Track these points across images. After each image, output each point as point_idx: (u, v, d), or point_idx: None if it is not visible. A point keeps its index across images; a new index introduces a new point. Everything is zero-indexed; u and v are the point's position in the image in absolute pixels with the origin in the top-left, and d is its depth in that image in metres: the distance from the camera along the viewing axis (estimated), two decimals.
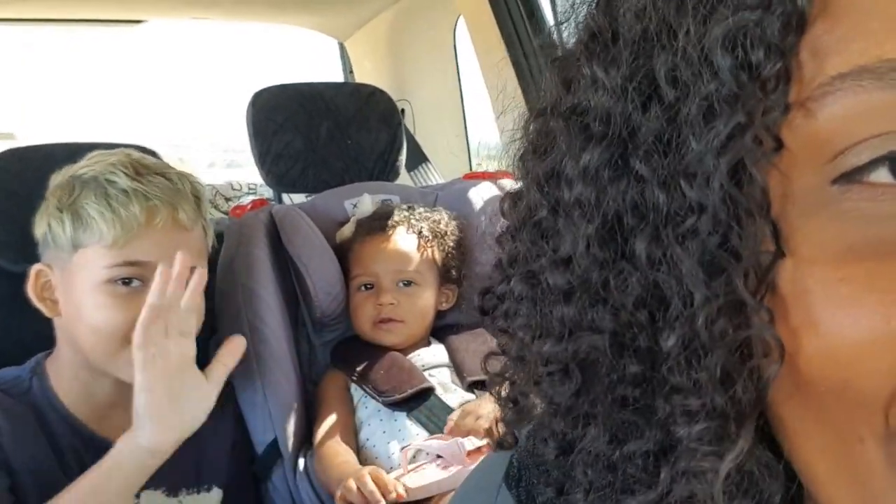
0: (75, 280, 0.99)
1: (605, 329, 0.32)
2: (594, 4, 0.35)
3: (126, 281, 0.98)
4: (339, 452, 1.17)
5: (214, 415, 1.10)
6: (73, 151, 1.39)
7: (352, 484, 1.04)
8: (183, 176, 1.06)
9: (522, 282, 0.38)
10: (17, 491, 0.95)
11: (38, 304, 1.03)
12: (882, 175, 0.25)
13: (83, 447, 1.02)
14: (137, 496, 1.02)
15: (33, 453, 0.98)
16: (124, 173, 1.00)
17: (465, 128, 1.97)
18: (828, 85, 0.25)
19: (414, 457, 1.12)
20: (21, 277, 1.14)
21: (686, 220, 0.28)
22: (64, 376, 1.05)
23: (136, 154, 1.06)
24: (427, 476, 1.07)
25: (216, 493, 1.12)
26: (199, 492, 1.09)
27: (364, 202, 1.40)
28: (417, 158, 1.93)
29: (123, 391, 1.01)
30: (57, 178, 1.06)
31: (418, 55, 2.03)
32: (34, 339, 1.10)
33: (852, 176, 0.25)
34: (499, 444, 0.45)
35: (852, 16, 0.25)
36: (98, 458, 0.97)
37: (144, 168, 1.02)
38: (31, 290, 1.03)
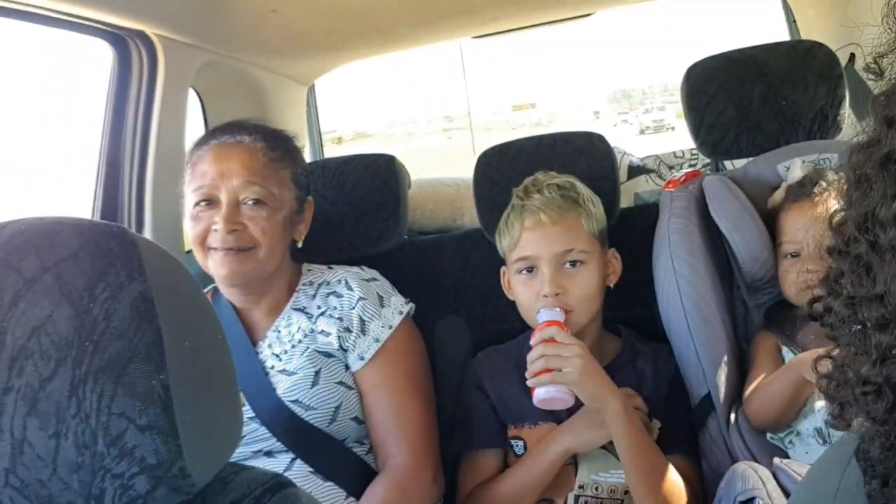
0: (509, 270, 1.44)
1: None
2: None
3: (528, 270, 1.39)
4: (774, 374, 1.26)
5: (656, 360, 1.40)
6: (536, 144, 1.69)
7: None
8: (555, 187, 1.40)
9: (845, 306, 0.44)
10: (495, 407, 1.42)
11: (508, 294, 1.48)
12: None
13: None
14: None
15: (507, 388, 1.41)
16: (518, 196, 1.43)
17: None
18: None
19: None
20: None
21: None
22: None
23: (542, 176, 1.45)
24: None
25: (655, 424, 1.34)
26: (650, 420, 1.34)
27: (794, 167, 1.40)
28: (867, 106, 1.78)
29: None
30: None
31: None
32: None
33: None
34: (834, 427, 0.52)
35: None
36: None
37: (533, 187, 1.42)
38: (504, 287, 1.49)
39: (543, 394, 1.25)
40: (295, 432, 1.34)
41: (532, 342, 1.29)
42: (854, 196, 0.43)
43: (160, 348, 0.60)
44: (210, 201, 1.35)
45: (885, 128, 0.40)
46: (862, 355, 0.42)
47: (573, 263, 1.37)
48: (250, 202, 1.35)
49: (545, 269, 1.36)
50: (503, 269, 1.49)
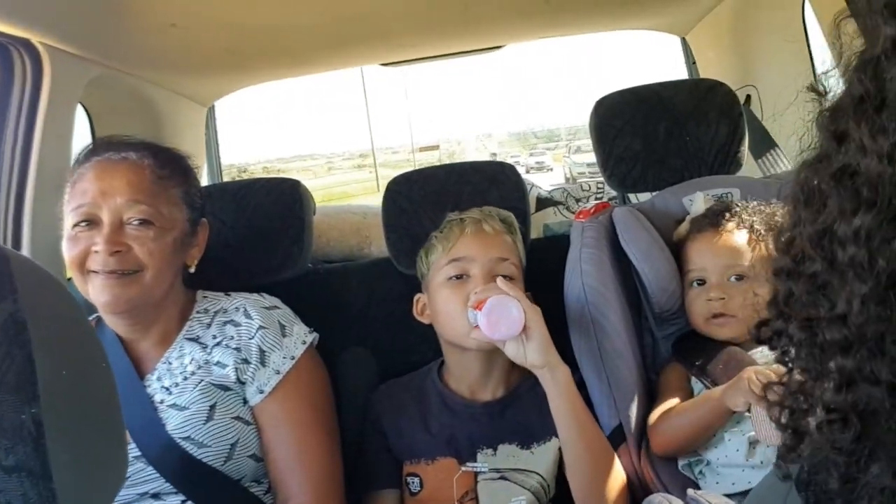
0: (432, 287, 1.40)
1: (883, 380, 0.35)
2: (862, 66, 0.37)
3: (458, 277, 1.35)
4: (693, 400, 1.26)
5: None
6: (446, 172, 1.66)
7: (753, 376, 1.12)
8: (495, 211, 1.46)
9: (801, 329, 0.42)
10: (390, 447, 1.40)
11: (422, 319, 1.45)
12: None
13: (446, 408, 1.38)
14: (495, 449, 1.33)
15: (405, 423, 1.39)
16: (453, 215, 1.46)
17: None
18: None
19: None
20: (410, 278, 1.46)
21: None
22: (448, 363, 1.43)
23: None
24: None
25: (555, 442, 1.32)
26: (544, 442, 1.32)
27: (697, 200, 1.43)
28: (765, 145, 1.87)
29: (487, 366, 1.38)
30: None
31: (764, 39, 1.95)
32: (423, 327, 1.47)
33: None
34: (780, 463, 0.50)
35: None
36: (455, 415, 1.37)
37: (468, 209, 1.46)
38: (416, 313, 1.46)
39: (496, 302, 1.20)
40: (186, 472, 1.24)
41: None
42: (804, 214, 0.42)
43: (32, 378, 0.52)
44: (91, 221, 1.24)
45: (833, 143, 0.39)
46: (823, 380, 0.40)
47: (504, 278, 1.34)
48: (135, 222, 1.25)
49: (478, 272, 1.34)
50: (417, 295, 1.47)
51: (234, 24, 1.72)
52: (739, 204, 1.38)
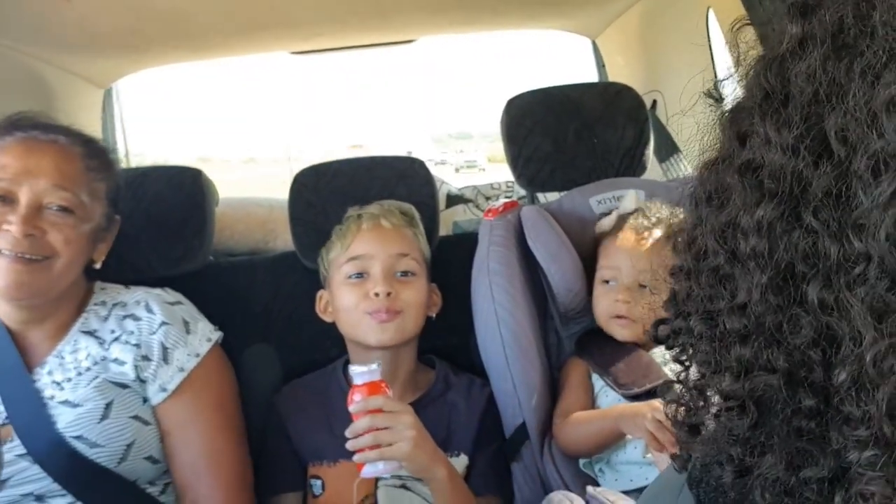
0: (333, 285, 1.40)
1: (779, 368, 0.36)
2: (766, 65, 0.38)
3: (358, 275, 1.35)
4: (592, 413, 1.27)
5: (468, 392, 1.36)
6: (355, 166, 1.63)
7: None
8: (395, 204, 1.44)
9: (702, 322, 0.42)
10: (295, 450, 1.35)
11: (324, 317, 1.44)
12: None
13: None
14: None
15: (308, 424, 1.35)
16: (353, 210, 1.44)
17: None
18: None
19: None
20: (317, 273, 1.43)
21: (855, 268, 0.31)
22: (353, 361, 1.38)
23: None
24: None
25: (463, 459, 1.31)
26: (449, 456, 1.27)
27: (628, 197, 1.42)
28: (669, 149, 1.92)
29: (393, 365, 1.34)
30: None
31: (669, 46, 1.99)
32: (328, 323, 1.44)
33: None
34: (676, 458, 0.50)
35: None
36: None
37: (369, 204, 1.44)
38: (318, 311, 1.45)
39: (373, 472, 1.16)
40: (75, 472, 1.18)
41: (353, 408, 1.15)
42: (706, 211, 0.43)
43: None
44: (4, 198, 1.16)
45: (736, 142, 0.40)
46: (722, 373, 0.41)
47: (405, 273, 1.35)
48: (55, 208, 1.18)
49: (377, 269, 1.34)
50: (320, 292, 1.44)
51: (134, 2, 1.63)
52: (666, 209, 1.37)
